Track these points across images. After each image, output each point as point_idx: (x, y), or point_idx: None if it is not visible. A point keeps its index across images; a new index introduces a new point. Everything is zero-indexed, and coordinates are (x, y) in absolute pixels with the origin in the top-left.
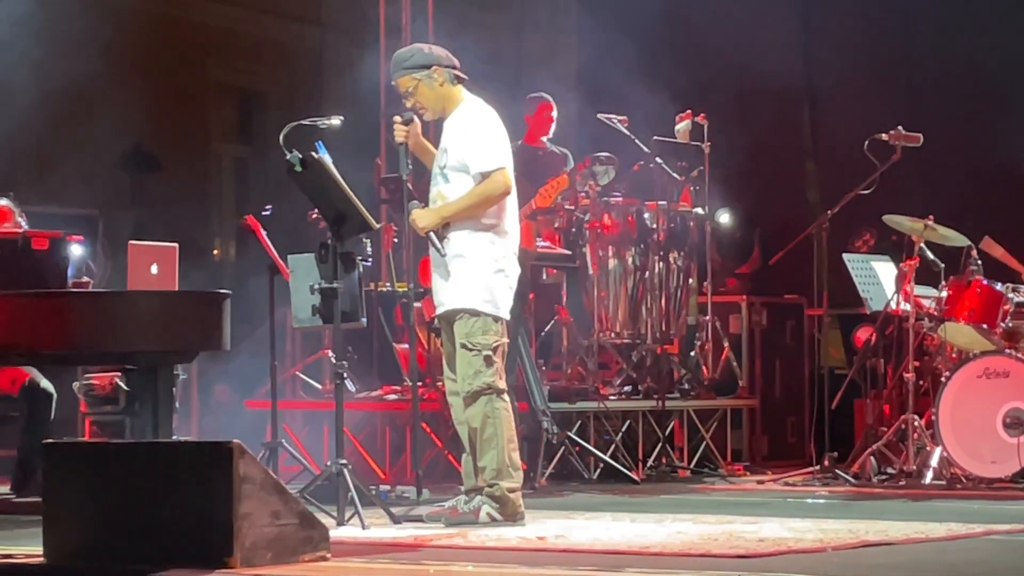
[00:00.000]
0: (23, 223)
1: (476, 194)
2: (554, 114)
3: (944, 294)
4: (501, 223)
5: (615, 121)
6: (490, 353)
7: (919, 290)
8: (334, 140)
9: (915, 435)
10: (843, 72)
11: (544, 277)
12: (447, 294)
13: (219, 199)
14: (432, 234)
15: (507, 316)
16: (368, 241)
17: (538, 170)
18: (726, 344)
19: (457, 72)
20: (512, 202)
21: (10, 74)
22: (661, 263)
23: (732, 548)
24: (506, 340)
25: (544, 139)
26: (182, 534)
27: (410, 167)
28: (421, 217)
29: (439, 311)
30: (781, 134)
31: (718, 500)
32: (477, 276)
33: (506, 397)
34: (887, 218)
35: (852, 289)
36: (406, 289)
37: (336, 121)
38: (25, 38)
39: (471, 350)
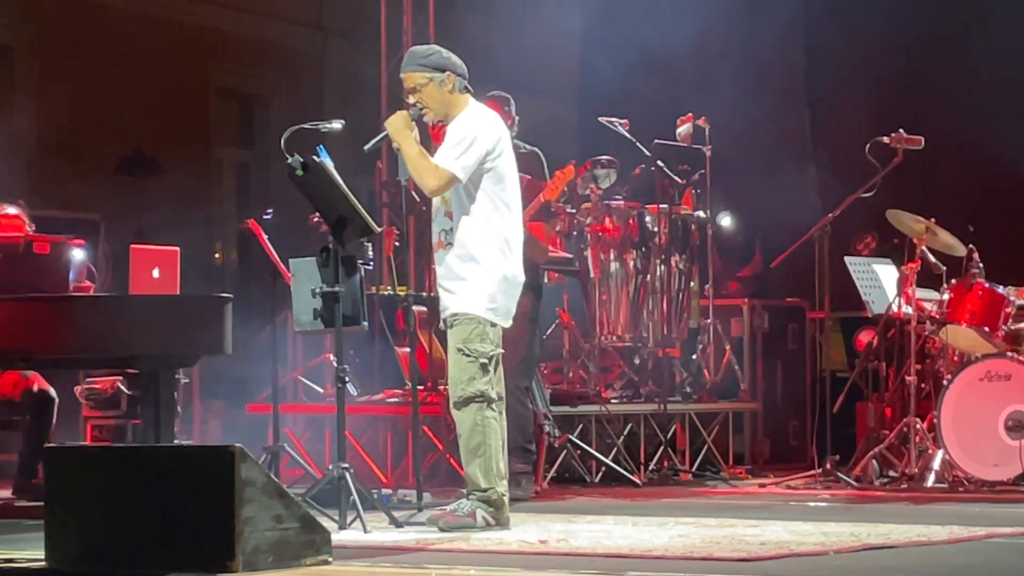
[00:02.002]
0: (30, 231)
1: (422, 165)
2: (510, 110)
3: (946, 297)
4: (514, 233)
5: (616, 124)
6: (486, 361)
7: (921, 293)
8: (335, 144)
9: (917, 438)
10: (844, 75)
11: (546, 281)
12: (452, 298)
13: (220, 203)
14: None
15: (507, 325)
16: (369, 245)
17: None
18: (728, 347)
19: (467, 84)
20: (519, 213)
21: (14, 77)
22: (662, 266)
23: (734, 551)
24: (502, 350)
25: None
26: (184, 538)
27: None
28: (396, 119)
29: (443, 315)
30: (782, 137)
31: (720, 503)
32: (484, 283)
33: (496, 407)
34: (890, 214)
35: (854, 292)
36: (407, 293)
37: (337, 125)
38: (30, 42)
39: (468, 356)
